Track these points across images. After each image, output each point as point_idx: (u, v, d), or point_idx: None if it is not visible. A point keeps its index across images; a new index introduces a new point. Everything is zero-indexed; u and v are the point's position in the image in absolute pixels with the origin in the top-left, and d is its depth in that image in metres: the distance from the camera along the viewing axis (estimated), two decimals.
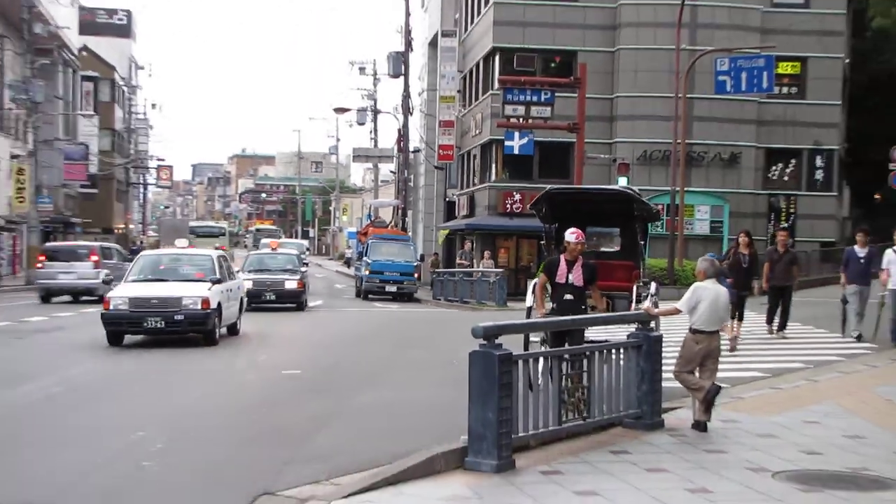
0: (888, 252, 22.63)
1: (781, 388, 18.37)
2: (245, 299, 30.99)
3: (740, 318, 24.73)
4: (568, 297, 14.39)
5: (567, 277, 14.48)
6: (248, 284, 38.46)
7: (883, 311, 24.14)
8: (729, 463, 12.02)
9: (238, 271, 45.26)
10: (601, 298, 15.28)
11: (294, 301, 41.67)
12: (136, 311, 24.67)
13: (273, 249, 51.23)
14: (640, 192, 31.43)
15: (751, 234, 26.68)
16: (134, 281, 26.60)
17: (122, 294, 25.31)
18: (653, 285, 20.72)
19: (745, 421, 14.72)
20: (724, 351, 19.58)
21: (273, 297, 41.47)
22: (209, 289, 25.53)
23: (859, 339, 24.44)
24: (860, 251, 24.19)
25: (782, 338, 25.85)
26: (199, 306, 24.77)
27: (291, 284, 41.60)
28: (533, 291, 15.83)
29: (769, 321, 26.27)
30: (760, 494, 10.54)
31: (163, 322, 24.61)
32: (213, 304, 25.15)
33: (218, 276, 26.61)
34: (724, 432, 13.84)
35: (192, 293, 25.10)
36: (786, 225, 50.23)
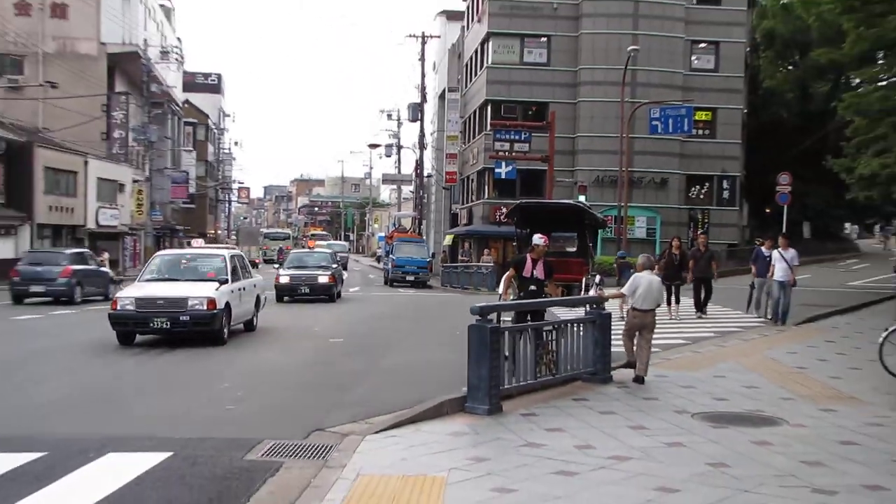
0: (775, 252, 22.99)
1: (699, 351, 18.38)
2: (263, 297, 25.06)
3: (677, 301, 25.73)
4: (532, 287, 14.34)
5: (532, 273, 14.42)
6: (286, 279, 35.76)
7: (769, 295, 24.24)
8: (660, 407, 12.05)
9: (278, 267, 43.82)
10: (556, 288, 15.23)
11: (326, 294, 35.79)
12: (142, 312, 19.46)
13: (311, 248, 48.49)
14: (591, 206, 31.60)
15: (681, 238, 27.80)
16: (147, 280, 21.44)
17: (129, 294, 20.23)
18: (598, 277, 21.23)
19: (672, 376, 14.74)
20: (665, 321, 19.94)
21: (307, 291, 35.60)
22: (216, 289, 20.32)
23: (766, 316, 24.32)
24: (766, 251, 24.25)
25: (704, 314, 25.88)
26: (205, 307, 19.64)
27: (324, 279, 36.04)
28: (501, 283, 15.74)
29: (696, 305, 26.14)
30: (682, 430, 10.59)
31: (168, 322, 19.50)
32: (220, 305, 20.01)
33: (228, 276, 21.39)
34: (657, 384, 13.86)
35: (198, 293, 19.92)
36: (703, 231, 50.00)
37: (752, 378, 14.71)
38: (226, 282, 20.89)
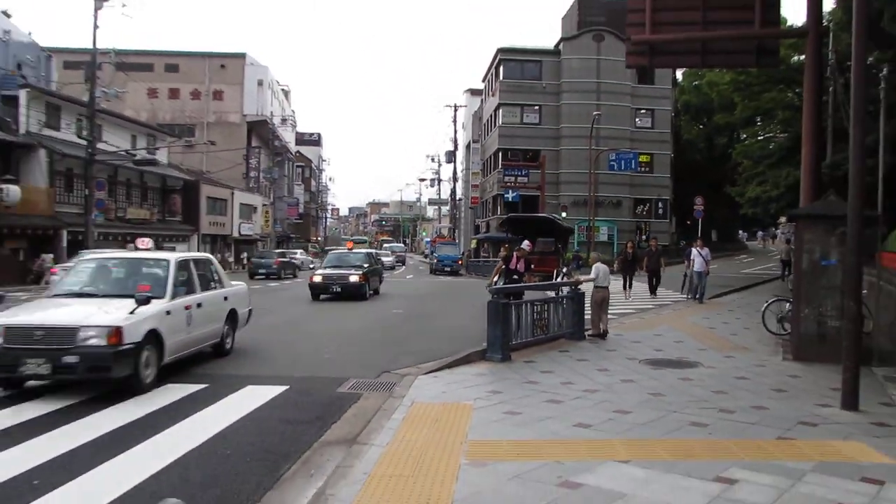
0: (694, 250, 22.61)
1: (643, 318, 18.32)
2: (246, 310, 13.35)
3: (630, 286, 24.67)
4: (515, 276, 14.29)
5: (516, 266, 14.38)
6: (318, 279, 25.30)
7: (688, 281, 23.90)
8: (617, 356, 12.00)
9: (313, 266, 38.70)
10: (532, 278, 15.17)
11: (357, 292, 25.00)
12: (10, 348, 8.51)
13: (349, 249, 37.29)
14: (567, 219, 31.62)
15: (634, 242, 27.58)
16: (55, 296, 10.22)
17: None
18: (565, 269, 21.51)
19: (626, 335, 14.70)
20: (621, 300, 19.86)
21: (339, 290, 24.88)
22: (131, 312, 8.87)
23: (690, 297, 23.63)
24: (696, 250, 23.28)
25: (655, 296, 24.54)
26: (104, 341, 8.44)
27: (354, 279, 25.09)
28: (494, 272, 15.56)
29: (650, 290, 24.94)
30: (632, 371, 10.55)
31: (48, 366, 8.41)
32: (133, 338, 8.70)
33: (168, 290, 10.02)
34: (616, 340, 13.82)
35: (97, 320, 8.63)
36: (648, 236, 49.68)
37: (679, 336, 14.63)
38: (161, 297, 9.85)
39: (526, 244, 15.03)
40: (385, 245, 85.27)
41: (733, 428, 7.36)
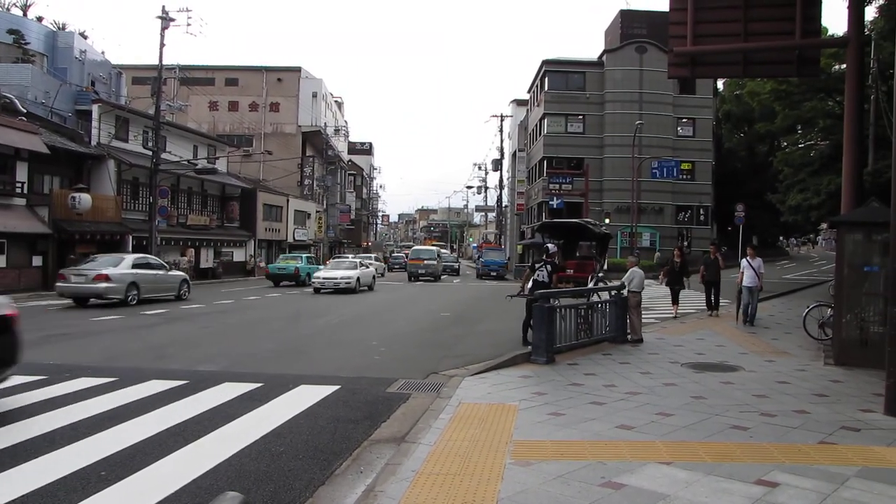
0: (743, 261, 17.76)
1: (685, 322, 18.06)
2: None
3: (676, 302, 19.98)
4: (542, 282, 13.92)
5: (543, 275, 13.99)
6: (317, 282, 30.64)
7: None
8: (660, 359, 11.84)
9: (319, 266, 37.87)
10: (557, 284, 14.55)
11: (348, 289, 30.14)
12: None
13: (426, 246, 46.16)
14: (612, 226, 30.50)
15: (682, 248, 21.79)
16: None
17: None
18: (600, 273, 20.07)
19: (668, 339, 14.51)
20: (669, 317, 18.95)
21: (423, 272, 43.04)
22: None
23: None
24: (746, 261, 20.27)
25: (717, 316, 19.36)
26: None
27: (349, 282, 30.48)
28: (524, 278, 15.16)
29: (708, 307, 19.98)
30: (674, 374, 10.40)
31: None
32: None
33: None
34: (657, 344, 13.65)
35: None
36: (715, 239, 48.45)
37: (720, 340, 14.39)
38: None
39: (552, 246, 14.87)
40: (428, 247, 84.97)
41: (775, 432, 7.20)
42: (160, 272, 24.95)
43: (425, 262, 45.17)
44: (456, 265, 58.69)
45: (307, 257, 40.09)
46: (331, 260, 40.75)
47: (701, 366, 11.22)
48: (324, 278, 30.92)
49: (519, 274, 49.04)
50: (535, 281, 13.97)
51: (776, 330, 16.45)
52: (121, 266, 22.98)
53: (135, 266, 23.58)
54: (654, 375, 10.31)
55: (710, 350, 12.97)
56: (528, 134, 70.39)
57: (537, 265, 14.19)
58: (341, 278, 30.76)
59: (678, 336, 15.02)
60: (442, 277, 43.29)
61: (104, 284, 22.12)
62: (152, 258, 26.01)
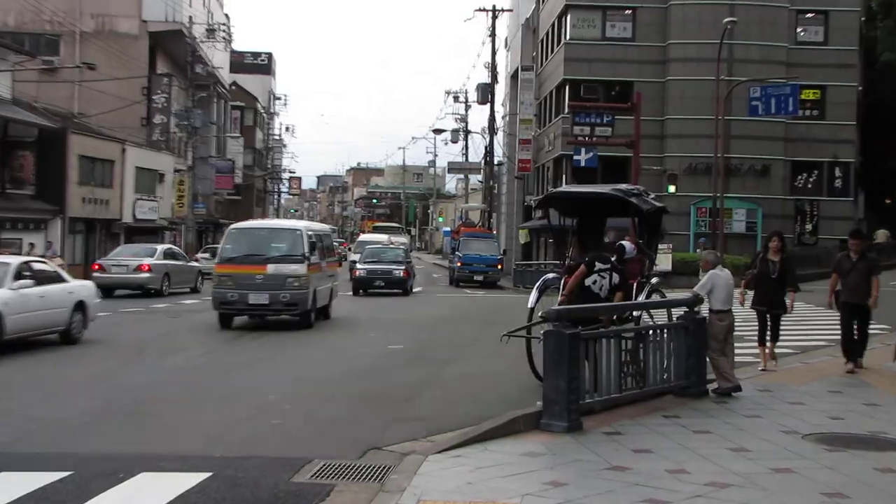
0: None
1: (808, 362, 18.13)
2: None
3: (775, 338, 17.33)
4: (595, 295, 13.98)
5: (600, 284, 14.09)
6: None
7: None
8: (764, 426, 11.83)
9: None
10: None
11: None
12: None
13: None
14: (680, 196, 29.42)
15: (783, 236, 18.27)
16: None
17: None
18: (654, 278, 18.79)
19: (777, 390, 14.59)
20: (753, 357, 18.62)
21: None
22: None
23: None
24: None
25: (859, 367, 16.88)
26: None
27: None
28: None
29: (845, 353, 17.02)
30: (791, 453, 10.36)
31: None
32: None
33: None
34: (760, 399, 13.70)
35: None
36: (860, 220, 48.55)
37: (873, 394, 14.46)
38: None
39: (629, 246, 14.88)
40: (377, 235, 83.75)
41: None
42: None
43: (384, 265, 44.97)
44: (401, 270, 46.66)
45: (166, 251, 41.02)
46: (201, 253, 42.12)
47: (839, 439, 11.16)
48: None
49: (523, 279, 49.12)
50: (584, 290, 14.21)
51: None
52: None
53: None
54: (754, 454, 10.24)
55: (855, 411, 12.94)
56: (537, 42, 70.70)
57: (599, 265, 14.40)
58: None
59: (796, 386, 15.02)
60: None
61: None
62: None
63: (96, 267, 38.45)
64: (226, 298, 24.66)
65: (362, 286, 43.48)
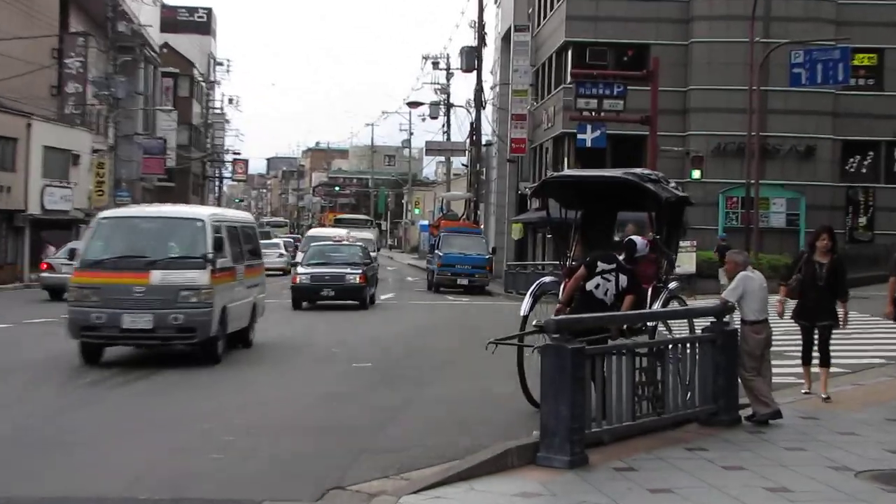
0: None
1: (861, 383, 18.12)
2: None
3: (825, 362, 16.50)
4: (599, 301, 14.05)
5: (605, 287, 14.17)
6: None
7: None
8: (809, 460, 11.84)
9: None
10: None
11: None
12: None
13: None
14: (705, 182, 29.44)
15: (833, 233, 17.51)
16: None
17: None
18: (673, 282, 18.79)
19: (825, 417, 14.58)
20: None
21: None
22: None
23: None
24: None
25: None
26: None
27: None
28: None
29: None
30: (842, 493, 10.36)
31: None
32: None
33: None
34: (804, 429, 13.70)
35: None
36: (872, 215, 48.76)
37: None
38: None
39: (640, 242, 14.92)
40: (339, 232, 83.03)
41: None
42: None
43: (333, 269, 40.99)
44: (356, 274, 42.21)
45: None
46: (55, 254, 43.44)
47: None
48: None
49: (517, 284, 49.13)
50: (585, 295, 14.37)
51: None
52: None
53: None
54: (797, 495, 10.25)
55: None
56: None
57: (602, 265, 14.50)
58: None
59: (847, 413, 15.02)
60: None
61: None
62: None
63: (45, 266, 40.88)
64: (89, 321, 20.16)
65: (304, 297, 40.70)
